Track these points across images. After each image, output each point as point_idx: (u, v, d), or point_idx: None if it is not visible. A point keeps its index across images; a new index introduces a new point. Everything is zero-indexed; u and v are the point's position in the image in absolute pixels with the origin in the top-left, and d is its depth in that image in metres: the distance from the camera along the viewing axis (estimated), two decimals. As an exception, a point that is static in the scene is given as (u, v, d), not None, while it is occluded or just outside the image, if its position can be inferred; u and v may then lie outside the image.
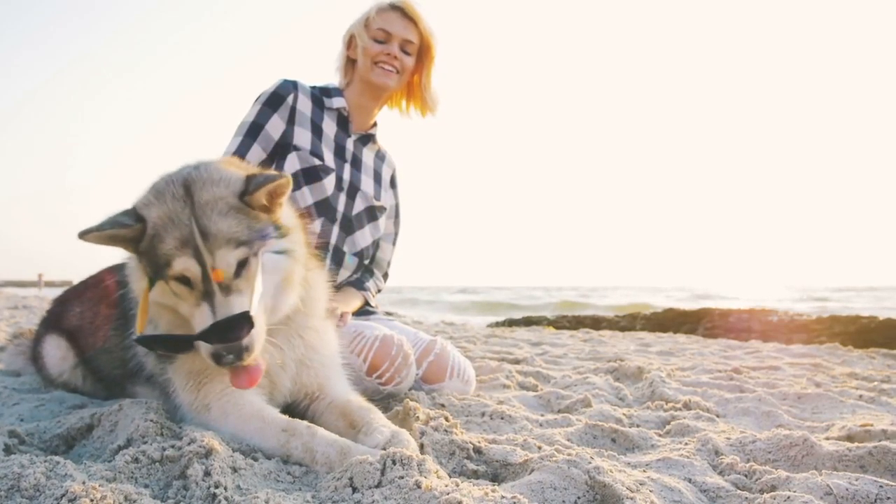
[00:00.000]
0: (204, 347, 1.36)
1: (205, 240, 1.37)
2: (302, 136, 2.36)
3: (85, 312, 2.11)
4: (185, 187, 1.42)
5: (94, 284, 2.18)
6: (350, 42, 2.51)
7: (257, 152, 2.32)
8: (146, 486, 1.21)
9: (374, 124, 2.61)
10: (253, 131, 2.33)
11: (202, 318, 1.36)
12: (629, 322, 9.87)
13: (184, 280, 1.39)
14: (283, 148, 2.34)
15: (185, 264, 1.36)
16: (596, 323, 9.94)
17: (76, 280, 2.41)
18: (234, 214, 1.41)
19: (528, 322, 10.34)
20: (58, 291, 2.71)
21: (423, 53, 2.52)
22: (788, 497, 1.21)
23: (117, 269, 2.15)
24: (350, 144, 2.50)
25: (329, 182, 2.35)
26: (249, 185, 1.44)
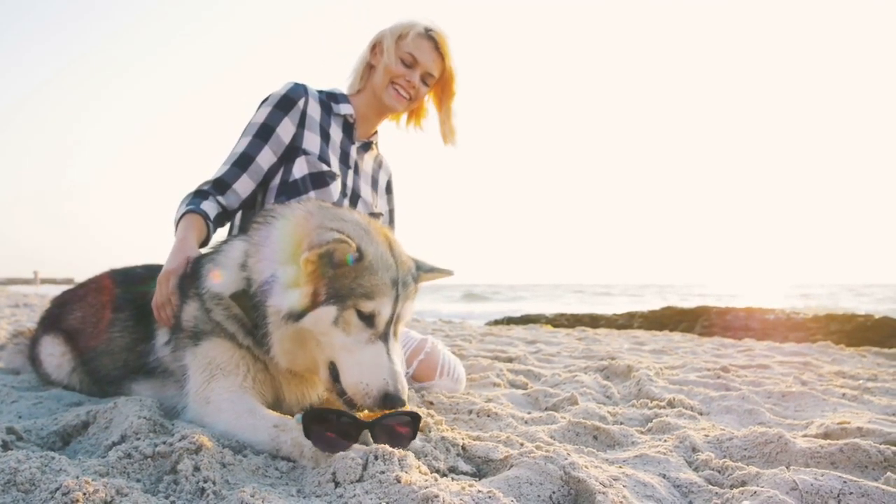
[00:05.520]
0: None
1: (403, 289, 1.57)
2: (311, 141, 2.37)
3: (87, 317, 2.16)
4: (387, 241, 1.63)
5: (95, 289, 2.23)
6: (375, 48, 2.48)
7: (268, 156, 2.32)
8: (138, 481, 1.26)
9: (375, 132, 2.64)
10: (263, 133, 2.32)
11: (376, 355, 1.49)
12: (627, 320, 9.90)
13: (366, 316, 1.51)
14: (291, 151, 2.35)
15: (384, 304, 1.52)
16: (594, 321, 9.97)
17: (77, 277, 2.44)
18: (413, 280, 1.66)
19: (526, 320, 10.38)
20: (58, 288, 2.75)
21: (443, 86, 2.53)
22: (755, 492, 1.25)
23: (117, 274, 2.22)
24: (353, 151, 2.52)
25: (335, 188, 2.37)
26: (422, 267, 1.73)
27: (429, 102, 2.63)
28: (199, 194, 2.24)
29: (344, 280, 1.48)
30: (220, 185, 2.26)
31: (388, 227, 2.50)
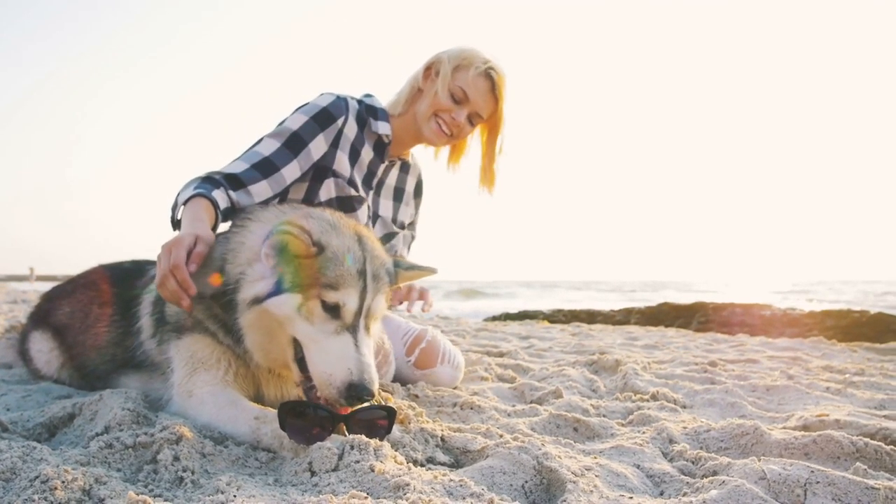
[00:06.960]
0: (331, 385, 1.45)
1: (373, 282, 1.56)
2: (342, 163, 2.26)
3: (75, 312, 2.17)
4: (356, 233, 1.62)
5: (83, 284, 2.25)
6: (430, 69, 2.32)
7: (294, 169, 2.16)
8: (118, 471, 1.28)
9: (407, 153, 2.56)
10: (294, 144, 2.16)
11: (342, 346, 1.47)
12: (624, 316, 9.91)
13: (331, 307, 1.49)
14: (319, 170, 2.25)
15: (349, 294, 1.50)
16: (591, 317, 9.99)
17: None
18: (387, 275, 1.65)
19: (523, 316, 10.41)
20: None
21: (491, 127, 2.40)
22: (723, 481, 1.28)
23: (108, 269, 2.24)
24: (380, 171, 2.44)
25: (362, 213, 2.32)
26: (401, 265, 1.73)
27: (472, 139, 2.47)
28: (210, 181, 1.97)
29: (308, 270, 1.49)
30: (233, 181, 2.02)
31: (376, 228, 2.47)
